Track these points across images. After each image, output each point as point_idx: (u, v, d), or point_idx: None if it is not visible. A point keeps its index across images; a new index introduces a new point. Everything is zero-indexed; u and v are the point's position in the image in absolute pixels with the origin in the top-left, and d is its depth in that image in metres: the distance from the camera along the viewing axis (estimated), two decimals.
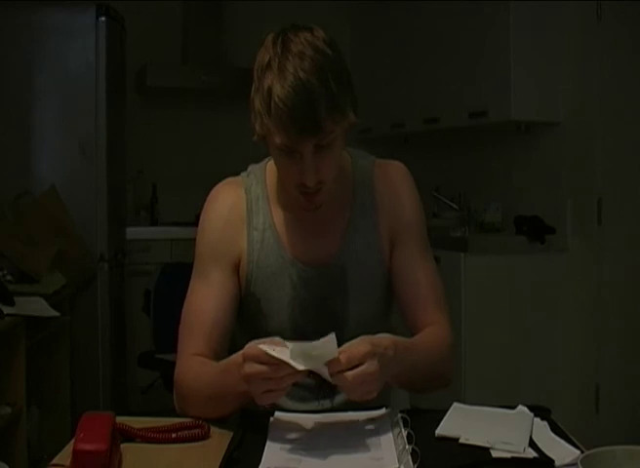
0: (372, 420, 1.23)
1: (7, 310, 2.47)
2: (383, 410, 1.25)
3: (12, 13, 3.35)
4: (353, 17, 4.74)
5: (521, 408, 1.27)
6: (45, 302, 2.74)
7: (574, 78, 3.35)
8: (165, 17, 4.62)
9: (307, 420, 1.22)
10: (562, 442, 1.13)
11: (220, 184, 1.49)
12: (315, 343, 1.11)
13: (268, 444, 1.13)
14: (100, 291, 3.49)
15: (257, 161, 1.56)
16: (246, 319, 1.45)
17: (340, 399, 1.42)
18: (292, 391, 1.42)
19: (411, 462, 1.03)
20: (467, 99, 3.64)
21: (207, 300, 1.38)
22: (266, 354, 1.09)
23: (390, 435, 1.15)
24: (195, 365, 1.34)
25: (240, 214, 1.43)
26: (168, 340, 3.97)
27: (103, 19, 3.44)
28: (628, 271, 3.16)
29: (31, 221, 3.14)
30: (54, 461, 1.08)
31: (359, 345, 1.13)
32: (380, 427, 1.19)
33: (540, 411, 1.26)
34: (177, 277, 3.82)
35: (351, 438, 1.14)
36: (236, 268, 1.41)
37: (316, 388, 1.42)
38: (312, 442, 1.14)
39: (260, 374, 1.10)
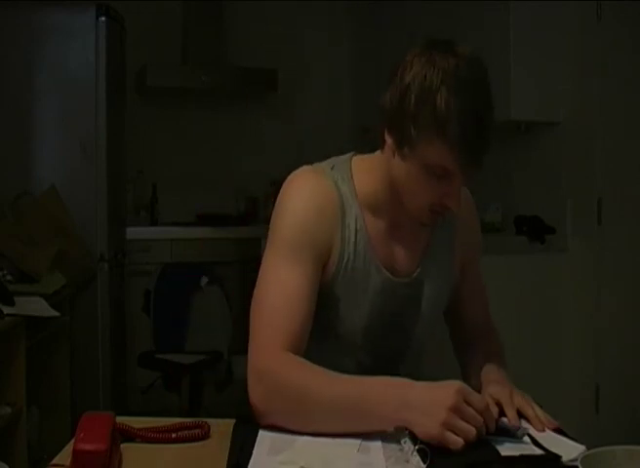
0: None
1: (7, 310, 2.47)
2: None
3: (12, 13, 3.35)
4: (353, 17, 4.74)
5: None
6: (45, 302, 2.74)
7: (574, 78, 3.35)
8: (165, 17, 4.63)
9: None
10: (564, 438, 1.13)
11: (305, 171, 1.38)
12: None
13: (255, 450, 1.10)
14: (100, 291, 3.49)
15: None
16: (316, 317, 1.32)
17: None
18: None
19: (421, 463, 1.03)
20: None
21: (298, 286, 1.27)
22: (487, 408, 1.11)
23: (379, 440, 1.13)
24: (303, 368, 1.20)
25: (335, 208, 1.34)
26: (168, 340, 3.99)
27: (103, 19, 3.44)
28: (628, 271, 3.17)
29: (31, 221, 3.14)
30: (54, 461, 1.07)
31: (516, 396, 1.27)
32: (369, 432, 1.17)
33: None
34: (177, 277, 3.86)
35: (340, 443, 1.12)
36: (323, 261, 1.33)
37: None
38: (299, 447, 1.11)
39: (468, 417, 1.08)
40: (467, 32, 3.64)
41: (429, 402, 1.08)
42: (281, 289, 1.27)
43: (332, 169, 1.38)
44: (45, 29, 3.41)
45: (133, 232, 4.10)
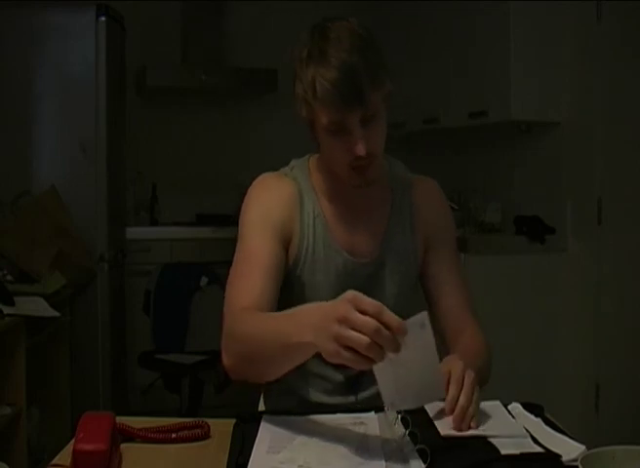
0: (361, 424, 1.21)
1: (7, 310, 2.47)
2: (373, 414, 1.25)
3: (12, 13, 3.35)
4: (353, 17, 4.74)
5: (515, 404, 1.28)
6: (45, 302, 2.75)
7: (574, 78, 3.35)
8: (165, 17, 4.62)
9: (295, 423, 1.21)
10: (564, 438, 1.13)
11: (266, 175, 1.51)
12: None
13: (255, 449, 1.10)
14: (100, 291, 3.49)
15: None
16: (285, 304, 1.34)
17: (364, 394, 1.46)
18: (318, 384, 1.46)
19: (421, 462, 1.03)
20: (467, 99, 3.64)
21: (261, 252, 1.37)
22: (389, 314, 0.98)
23: (379, 440, 1.14)
24: (249, 316, 1.27)
25: (293, 198, 1.46)
26: (168, 340, 3.98)
27: (103, 18, 3.44)
28: (628, 271, 3.16)
29: (31, 221, 3.14)
30: (54, 461, 1.08)
31: (454, 363, 1.17)
32: (368, 431, 1.18)
33: (533, 408, 1.26)
34: (177, 277, 3.85)
35: (339, 442, 1.12)
36: (286, 242, 1.43)
37: (343, 382, 1.46)
38: (299, 446, 1.12)
39: (360, 325, 0.96)
40: (468, 32, 3.65)
41: (322, 317, 1.02)
42: (246, 256, 1.38)
43: (291, 170, 1.51)
44: (45, 29, 3.41)
45: (133, 232, 4.10)
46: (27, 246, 3.01)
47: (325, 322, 1.00)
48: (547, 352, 3.36)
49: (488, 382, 1.44)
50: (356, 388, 1.45)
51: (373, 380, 1.09)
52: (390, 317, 0.97)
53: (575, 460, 1.02)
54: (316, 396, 1.46)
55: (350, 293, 1.00)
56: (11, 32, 3.39)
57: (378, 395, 1.39)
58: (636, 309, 3.10)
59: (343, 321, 0.97)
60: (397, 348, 0.97)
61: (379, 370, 1.02)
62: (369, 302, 0.98)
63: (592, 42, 3.24)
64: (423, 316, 1.00)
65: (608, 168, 3.23)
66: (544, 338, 3.35)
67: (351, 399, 1.46)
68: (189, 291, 3.74)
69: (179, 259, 4.07)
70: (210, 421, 1.21)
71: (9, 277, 2.87)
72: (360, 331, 0.96)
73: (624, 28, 3.15)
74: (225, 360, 1.28)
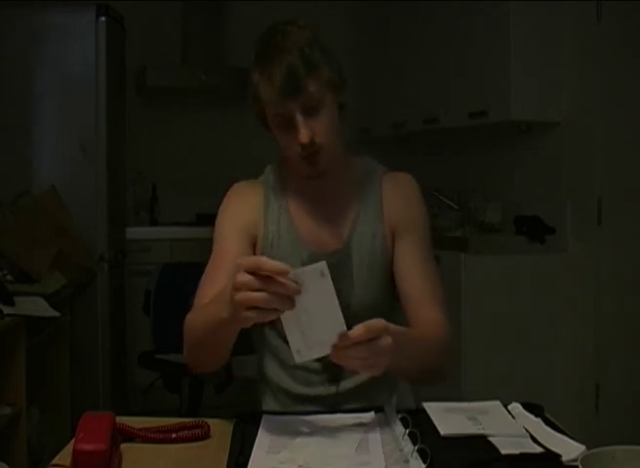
0: (361, 424, 1.22)
1: (7, 310, 2.47)
2: (372, 414, 1.25)
3: (12, 13, 3.35)
4: (353, 17, 4.74)
5: (515, 404, 1.28)
6: (45, 302, 2.75)
7: (574, 78, 3.35)
8: (165, 17, 4.63)
9: (295, 423, 1.21)
10: (564, 438, 1.14)
11: (239, 183, 1.61)
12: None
13: (255, 449, 1.11)
14: (100, 291, 3.49)
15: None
16: None
17: (345, 385, 1.46)
18: (299, 375, 1.46)
19: (421, 462, 1.03)
20: (467, 99, 3.64)
21: (224, 252, 1.47)
22: (266, 263, 1.03)
23: (379, 440, 1.14)
24: (199, 308, 1.36)
25: (257, 198, 1.54)
26: (168, 340, 3.98)
27: (103, 18, 3.44)
28: (628, 271, 3.16)
29: (31, 221, 3.14)
30: (54, 461, 1.08)
31: (375, 321, 1.11)
32: (368, 431, 1.18)
33: (533, 408, 1.26)
34: (177, 277, 3.85)
35: (339, 442, 1.13)
36: (252, 241, 1.51)
37: (323, 373, 1.46)
38: (299, 446, 1.12)
39: (250, 285, 1.04)
40: (468, 32, 3.65)
41: (229, 292, 1.09)
42: (215, 258, 1.49)
43: (265, 175, 1.59)
44: (45, 29, 3.41)
45: (133, 232, 4.10)
46: (27, 246, 3.01)
47: (230, 295, 1.08)
48: (547, 352, 3.36)
49: (444, 380, 1.41)
50: (337, 378, 1.46)
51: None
52: (271, 265, 1.04)
53: (575, 460, 1.02)
54: (298, 388, 1.47)
55: (238, 260, 1.08)
56: (11, 32, 3.39)
57: (359, 387, 1.41)
58: (636, 309, 3.10)
59: (239, 287, 1.05)
60: (296, 290, 1.04)
61: (285, 318, 1.08)
62: (249, 260, 1.06)
63: (592, 42, 3.24)
64: (322, 265, 1.06)
65: (608, 168, 3.23)
66: (544, 338, 3.35)
67: (332, 390, 1.46)
68: (189, 291, 3.73)
69: (179, 259, 4.07)
70: (210, 421, 1.21)
71: (9, 277, 2.87)
72: (257, 290, 1.04)
73: (624, 28, 3.15)
74: (184, 354, 1.36)
